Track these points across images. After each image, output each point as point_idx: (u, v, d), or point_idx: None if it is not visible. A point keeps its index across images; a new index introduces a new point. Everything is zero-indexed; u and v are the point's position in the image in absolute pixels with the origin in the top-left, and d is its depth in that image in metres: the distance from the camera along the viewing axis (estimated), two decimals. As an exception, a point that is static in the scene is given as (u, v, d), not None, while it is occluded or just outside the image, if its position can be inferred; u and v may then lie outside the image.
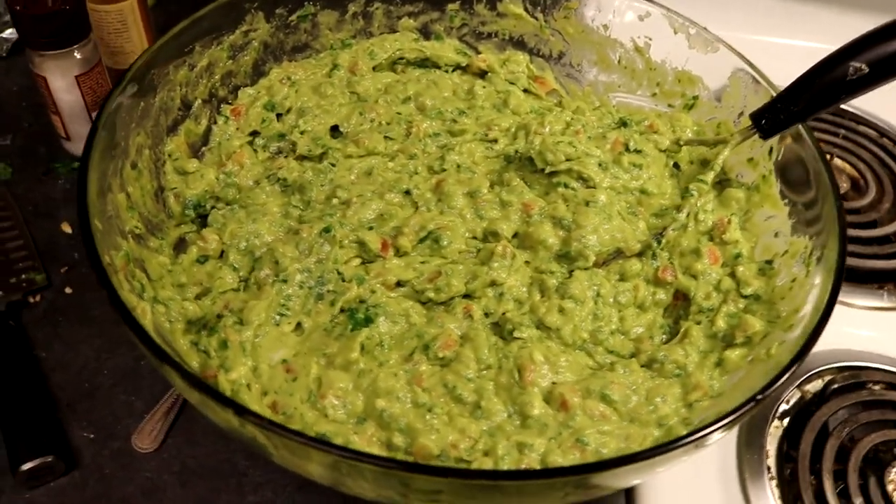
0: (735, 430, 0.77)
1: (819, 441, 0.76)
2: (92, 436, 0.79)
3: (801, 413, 0.79)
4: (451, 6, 0.94)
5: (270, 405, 0.63)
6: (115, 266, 0.62)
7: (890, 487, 0.73)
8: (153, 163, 0.76)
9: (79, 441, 0.78)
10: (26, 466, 0.73)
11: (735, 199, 0.79)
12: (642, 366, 0.69)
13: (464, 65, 0.96)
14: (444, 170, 0.82)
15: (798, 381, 0.82)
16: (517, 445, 0.61)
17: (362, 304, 0.69)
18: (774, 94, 0.75)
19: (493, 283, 0.72)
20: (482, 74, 0.95)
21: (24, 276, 0.91)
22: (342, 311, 0.70)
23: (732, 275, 0.74)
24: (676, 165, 0.84)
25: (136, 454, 0.78)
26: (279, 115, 0.87)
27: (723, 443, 0.77)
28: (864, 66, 0.66)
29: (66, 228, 0.97)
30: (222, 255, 0.75)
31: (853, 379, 0.81)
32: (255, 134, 0.86)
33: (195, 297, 0.71)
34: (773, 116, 0.73)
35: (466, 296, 0.72)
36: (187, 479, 0.77)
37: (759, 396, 0.55)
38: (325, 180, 0.80)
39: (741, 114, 0.82)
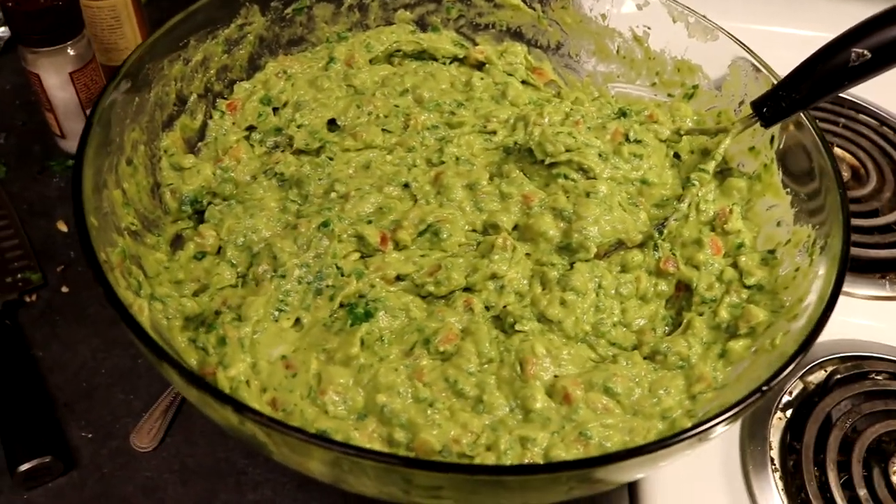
0: (738, 422, 0.77)
1: (822, 432, 0.76)
2: (90, 435, 0.78)
3: (804, 404, 0.79)
4: (447, -3, 0.94)
5: (270, 402, 0.63)
6: (112, 263, 0.61)
7: (894, 478, 0.73)
8: (149, 159, 0.76)
9: (77, 441, 0.78)
10: (24, 467, 0.73)
11: (737, 189, 0.79)
12: (645, 358, 0.69)
13: (461, 56, 0.95)
14: (443, 162, 0.81)
15: (801, 373, 0.81)
16: (520, 440, 0.60)
17: (362, 299, 0.69)
18: (775, 82, 0.75)
19: (493, 276, 0.71)
20: (480, 66, 0.95)
21: (20, 276, 0.90)
22: (341, 305, 0.69)
23: (735, 265, 0.74)
24: (677, 155, 0.84)
25: (134, 453, 0.77)
26: (275, 110, 0.86)
27: (726, 435, 0.77)
28: (866, 52, 0.66)
29: (62, 227, 0.96)
30: (220, 251, 0.75)
31: (856, 369, 0.81)
32: (251, 128, 0.85)
33: (193, 294, 0.71)
34: (774, 104, 0.73)
35: (467, 289, 0.71)
36: (187, 478, 0.76)
37: (765, 387, 0.54)
38: (322, 174, 0.79)
39: (742, 102, 0.82)
